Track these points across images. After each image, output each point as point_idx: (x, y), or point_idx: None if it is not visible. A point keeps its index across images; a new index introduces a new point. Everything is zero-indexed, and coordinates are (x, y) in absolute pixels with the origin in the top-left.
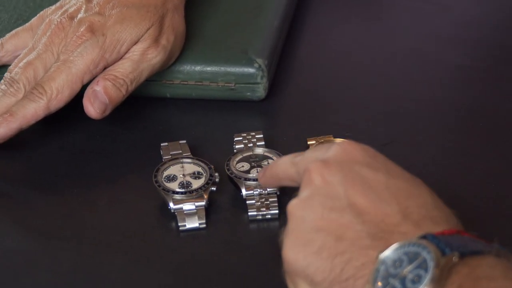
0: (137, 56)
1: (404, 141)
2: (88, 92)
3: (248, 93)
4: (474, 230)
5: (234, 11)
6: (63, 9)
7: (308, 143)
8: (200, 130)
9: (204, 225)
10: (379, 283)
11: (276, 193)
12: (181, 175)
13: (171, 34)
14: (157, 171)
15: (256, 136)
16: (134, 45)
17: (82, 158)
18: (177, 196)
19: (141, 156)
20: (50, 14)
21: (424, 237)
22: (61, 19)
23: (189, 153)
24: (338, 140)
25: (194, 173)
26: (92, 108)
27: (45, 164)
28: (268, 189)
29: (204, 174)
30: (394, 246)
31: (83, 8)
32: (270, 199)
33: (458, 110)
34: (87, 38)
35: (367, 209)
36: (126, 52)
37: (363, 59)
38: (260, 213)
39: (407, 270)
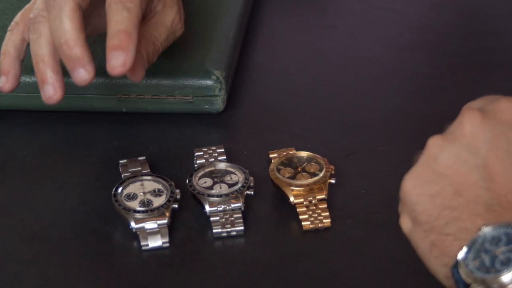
0: (169, 23)
1: (366, 152)
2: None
3: (206, 106)
4: None
5: (189, 23)
6: None
7: (270, 156)
8: (159, 145)
9: (167, 244)
10: (470, 254)
11: (240, 209)
12: (141, 193)
13: (182, 9)
14: (116, 189)
15: (217, 151)
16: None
17: (36, 175)
18: (138, 215)
19: (97, 173)
20: None
21: None
22: None
23: (149, 170)
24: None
25: (154, 190)
26: (138, 71)
27: None
28: (232, 205)
29: (165, 191)
30: (499, 223)
31: None
32: (234, 215)
33: (418, 118)
34: None
35: (497, 177)
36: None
37: (320, 68)
38: (225, 230)
39: (501, 250)
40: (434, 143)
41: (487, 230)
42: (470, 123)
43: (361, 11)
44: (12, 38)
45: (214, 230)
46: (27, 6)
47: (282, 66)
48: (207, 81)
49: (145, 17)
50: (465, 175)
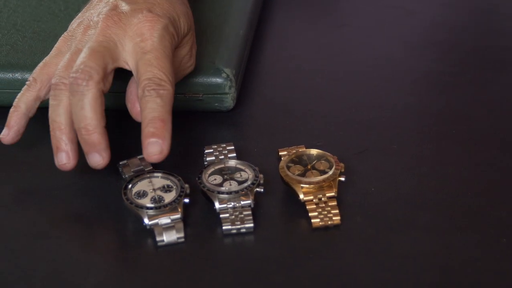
0: (178, 63)
1: (377, 150)
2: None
3: (216, 104)
4: (451, 238)
5: (200, 22)
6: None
7: (280, 153)
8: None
9: (182, 239)
10: None
11: (250, 206)
12: (151, 190)
13: (195, 44)
14: (125, 188)
15: (227, 148)
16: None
17: (46, 172)
18: (151, 212)
19: (107, 170)
20: (76, 28)
21: None
22: (110, 12)
23: (151, 167)
24: None
25: (163, 186)
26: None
27: (6, 183)
28: (242, 202)
29: (174, 187)
30: None
31: (120, 4)
32: (244, 212)
33: (430, 116)
34: (156, 21)
35: None
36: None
37: (331, 66)
38: (234, 227)
39: None
40: None
41: None
42: None
43: (373, 10)
44: (27, 95)
45: (223, 227)
46: (46, 59)
47: (292, 64)
48: (217, 79)
49: None
50: None
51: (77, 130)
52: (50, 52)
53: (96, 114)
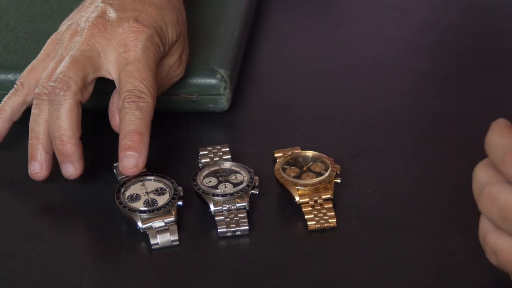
0: (165, 72)
1: (374, 151)
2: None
3: (211, 105)
4: (447, 241)
5: (194, 23)
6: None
7: (275, 155)
8: (163, 144)
9: (177, 242)
10: None
11: (245, 208)
12: (144, 193)
13: (187, 50)
14: (118, 192)
15: (222, 150)
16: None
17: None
18: (144, 215)
19: (99, 173)
20: (65, 32)
21: None
22: (96, 20)
23: (145, 170)
24: None
25: (157, 189)
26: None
27: None
28: (237, 205)
29: (168, 190)
30: None
31: (109, 10)
32: (239, 215)
33: (426, 118)
34: (141, 32)
35: None
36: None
37: (326, 67)
38: (229, 229)
39: None
40: None
41: None
42: None
43: (369, 10)
44: (13, 99)
45: (219, 230)
46: (34, 63)
47: (287, 65)
48: (212, 80)
49: None
50: None
51: (52, 139)
52: (38, 55)
53: (71, 124)
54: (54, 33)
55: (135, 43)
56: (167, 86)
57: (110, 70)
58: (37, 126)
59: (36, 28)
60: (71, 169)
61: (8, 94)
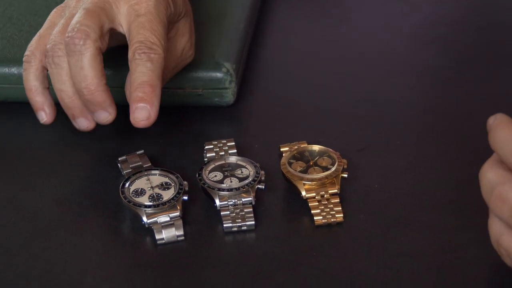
0: (179, 51)
1: (380, 146)
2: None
3: (216, 99)
4: (453, 237)
5: (199, 16)
6: None
7: (281, 149)
8: (168, 138)
9: (182, 238)
10: None
11: (251, 203)
12: (149, 188)
13: (194, 35)
14: (123, 186)
15: (228, 144)
16: (174, 26)
17: (43, 169)
18: (149, 210)
19: (105, 167)
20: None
21: None
22: None
23: (149, 164)
24: None
25: (161, 184)
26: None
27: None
28: (243, 199)
29: (173, 184)
30: None
31: None
32: (245, 210)
33: (433, 112)
34: None
35: None
36: (174, 19)
37: (332, 61)
38: (235, 224)
39: None
40: None
41: None
42: None
43: (376, 5)
44: (32, 71)
45: (224, 225)
46: (41, 31)
47: (293, 58)
48: (217, 74)
49: None
50: None
51: (79, 91)
52: (43, 25)
53: (96, 72)
54: (58, 5)
55: None
56: (181, 66)
57: (122, 23)
58: (63, 85)
59: (39, 22)
60: (105, 114)
61: (24, 71)
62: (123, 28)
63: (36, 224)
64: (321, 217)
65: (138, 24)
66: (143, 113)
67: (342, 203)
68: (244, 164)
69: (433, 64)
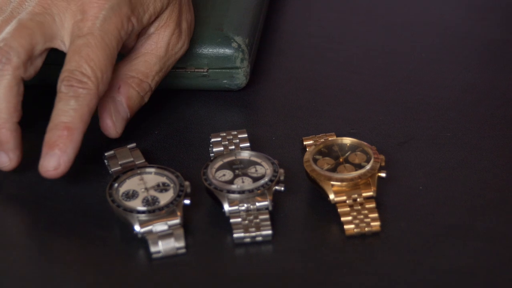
0: (162, 50)
1: (426, 139)
2: (107, 102)
3: (225, 81)
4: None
5: None
6: None
7: (305, 143)
8: (165, 129)
9: (183, 250)
10: None
11: (267, 208)
12: (142, 189)
13: (188, 14)
14: (110, 187)
15: (239, 136)
16: (155, 20)
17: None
18: (143, 216)
19: (88, 165)
20: None
21: None
22: None
23: (143, 160)
24: None
25: (158, 185)
26: (113, 125)
27: None
28: (257, 204)
29: (172, 185)
30: None
31: None
32: (260, 217)
33: (494, 97)
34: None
35: None
36: (148, 24)
37: (368, 34)
38: (248, 234)
39: None
40: None
41: None
42: None
43: None
44: None
45: (234, 235)
46: None
47: (318, 31)
48: (226, 50)
49: (129, 49)
50: None
51: None
52: None
53: (7, 106)
54: None
55: (96, 12)
56: (170, 65)
57: (64, 40)
58: None
59: None
60: (5, 159)
61: None
62: (65, 46)
63: (2, 234)
64: (353, 226)
65: (75, 48)
66: (51, 161)
67: (378, 208)
68: (259, 160)
69: (493, 37)
